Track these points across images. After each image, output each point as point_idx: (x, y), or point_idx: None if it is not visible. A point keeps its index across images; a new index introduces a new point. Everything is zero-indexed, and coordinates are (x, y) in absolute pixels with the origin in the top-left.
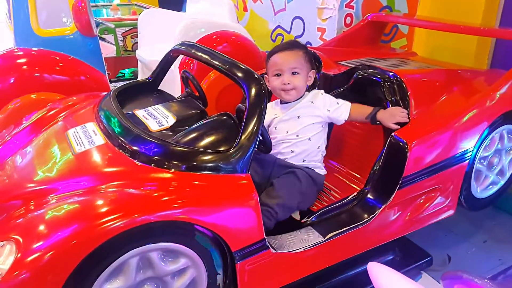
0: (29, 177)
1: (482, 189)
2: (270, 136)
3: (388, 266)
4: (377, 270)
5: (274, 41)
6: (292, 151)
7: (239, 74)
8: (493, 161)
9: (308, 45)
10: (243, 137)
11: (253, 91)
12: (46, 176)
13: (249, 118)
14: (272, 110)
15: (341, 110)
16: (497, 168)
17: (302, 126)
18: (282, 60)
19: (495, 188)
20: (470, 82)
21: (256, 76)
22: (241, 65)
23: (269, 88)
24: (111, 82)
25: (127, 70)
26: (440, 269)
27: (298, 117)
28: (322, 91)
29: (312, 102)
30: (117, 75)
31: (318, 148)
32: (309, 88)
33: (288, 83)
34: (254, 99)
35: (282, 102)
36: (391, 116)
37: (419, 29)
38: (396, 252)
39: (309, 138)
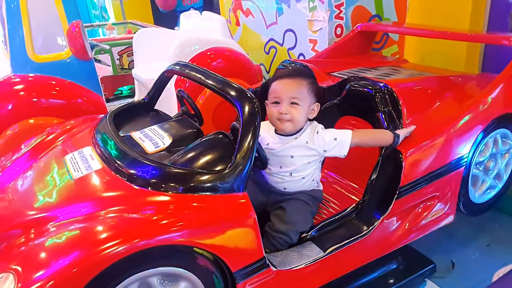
0: (29, 205)
1: (480, 194)
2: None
3: None
4: None
5: (267, 53)
6: (284, 188)
7: (232, 93)
8: (489, 165)
9: (301, 57)
10: (238, 156)
11: (246, 109)
12: (45, 203)
13: (243, 136)
14: (267, 134)
15: (339, 147)
16: (493, 172)
17: (295, 166)
18: (282, 88)
19: (493, 192)
20: (462, 87)
21: (249, 95)
22: (233, 84)
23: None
24: (109, 100)
25: (125, 87)
26: (445, 275)
27: (292, 156)
28: (320, 127)
29: (307, 142)
30: (115, 93)
31: (313, 181)
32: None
33: (286, 113)
34: (247, 118)
35: (277, 132)
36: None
37: (410, 36)
38: (400, 261)
39: (303, 177)
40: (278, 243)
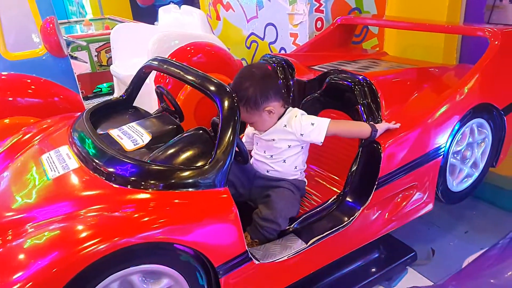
0: (6, 206)
1: (458, 183)
2: (252, 152)
3: None
4: None
5: (249, 48)
6: (267, 171)
7: (211, 88)
8: (466, 154)
9: (282, 52)
10: (218, 151)
11: (225, 104)
12: (22, 204)
13: (223, 132)
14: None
15: (315, 133)
16: (470, 161)
17: (276, 148)
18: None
19: (470, 181)
20: (440, 78)
21: (228, 90)
22: (212, 79)
23: None
24: (88, 98)
25: (104, 84)
26: (425, 263)
27: (273, 140)
28: (300, 112)
29: (285, 126)
30: (94, 91)
31: (295, 168)
32: (288, 106)
33: (253, 127)
34: (227, 112)
35: None
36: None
37: (389, 29)
38: (381, 250)
39: (284, 160)
40: (267, 232)
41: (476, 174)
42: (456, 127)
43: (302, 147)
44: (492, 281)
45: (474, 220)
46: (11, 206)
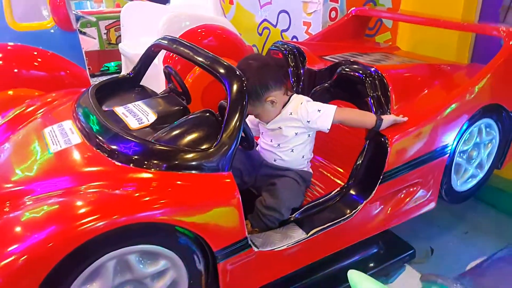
0: (5, 177)
1: (462, 182)
2: (259, 140)
3: (366, 274)
4: (357, 277)
5: (260, 34)
6: (274, 160)
7: (221, 71)
8: (472, 154)
9: (294, 40)
10: (224, 135)
11: (234, 87)
12: (22, 176)
13: (230, 115)
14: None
15: (321, 119)
16: (476, 161)
17: (283, 137)
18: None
19: (474, 181)
20: (451, 76)
21: (238, 73)
22: (223, 61)
23: None
24: (95, 76)
25: (112, 63)
26: (423, 261)
27: (280, 128)
28: (305, 99)
29: (291, 114)
30: (101, 69)
31: (303, 157)
32: (293, 93)
33: (258, 118)
34: (235, 96)
35: None
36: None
37: (403, 23)
38: (380, 245)
39: (292, 149)
40: (269, 221)
41: (481, 175)
42: (465, 126)
43: (309, 135)
44: None
45: (474, 221)
46: (10, 178)
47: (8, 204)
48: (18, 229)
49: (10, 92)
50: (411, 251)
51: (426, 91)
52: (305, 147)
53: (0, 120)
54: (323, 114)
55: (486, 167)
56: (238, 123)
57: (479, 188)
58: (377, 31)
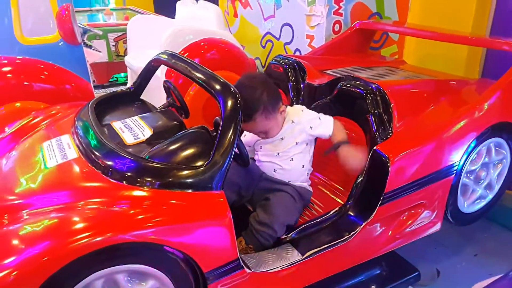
0: (6, 189)
1: (469, 204)
2: (255, 156)
3: None
4: None
5: (264, 47)
6: (275, 170)
7: (216, 87)
8: (481, 174)
9: (297, 53)
10: (217, 152)
11: (228, 104)
12: (21, 189)
13: (223, 132)
14: None
15: (323, 126)
16: (484, 182)
17: (284, 146)
18: (248, 129)
19: (483, 203)
20: (458, 92)
21: (232, 90)
22: (218, 78)
23: None
24: (104, 87)
25: (121, 74)
26: (429, 284)
27: (282, 139)
28: (302, 107)
29: (293, 122)
30: (110, 80)
31: (303, 167)
32: (290, 104)
33: (263, 136)
34: (229, 113)
35: None
36: (350, 158)
37: (410, 36)
38: (383, 266)
39: (291, 158)
40: (262, 238)
41: (490, 196)
42: (472, 145)
43: (307, 144)
44: None
45: (484, 242)
46: (11, 190)
47: (6, 217)
48: (15, 242)
49: (18, 104)
50: (416, 273)
51: (431, 107)
52: (304, 157)
53: (7, 130)
54: (324, 121)
55: (496, 188)
56: (231, 140)
57: (489, 210)
58: (382, 43)
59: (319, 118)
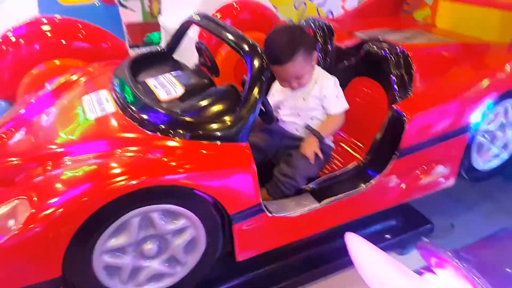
0: (48, 139)
1: (484, 162)
2: (277, 115)
3: (364, 239)
4: (353, 241)
5: (297, 9)
6: (296, 129)
7: (244, 47)
8: (497, 134)
9: (329, 15)
10: (243, 108)
11: (255, 63)
12: (62, 139)
13: (250, 90)
14: (281, 92)
15: (335, 104)
16: (500, 141)
17: (305, 106)
18: (281, 74)
19: (498, 161)
20: (483, 55)
21: (260, 51)
22: (247, 39)
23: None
24: (138, 47)
25: (155, 33)
26: (442, 236)
27: (304, 99)
28: (332, 77)
29: (316, 83)
30: (144, 39)
31: None
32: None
33: (296, 84)
34: (255, 72)
35: None
36: (306, 146)
37: (443, 0)
38: (399, 218)
39: (311, 117)
40: (285, 187)
41: (506, 156)
42: (489, 106)
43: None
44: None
45: (501, 200)
46: (52, 140)
47: (50, 163)
48: (57, 185)
49: (57, 62)
50: (429, 225)
51: (453, 70)
52: (323, 116)
53: (47, 86)
54: (340, 102)
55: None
56: (257, 98)
57: (504, 169)
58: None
59: (337, 97)
